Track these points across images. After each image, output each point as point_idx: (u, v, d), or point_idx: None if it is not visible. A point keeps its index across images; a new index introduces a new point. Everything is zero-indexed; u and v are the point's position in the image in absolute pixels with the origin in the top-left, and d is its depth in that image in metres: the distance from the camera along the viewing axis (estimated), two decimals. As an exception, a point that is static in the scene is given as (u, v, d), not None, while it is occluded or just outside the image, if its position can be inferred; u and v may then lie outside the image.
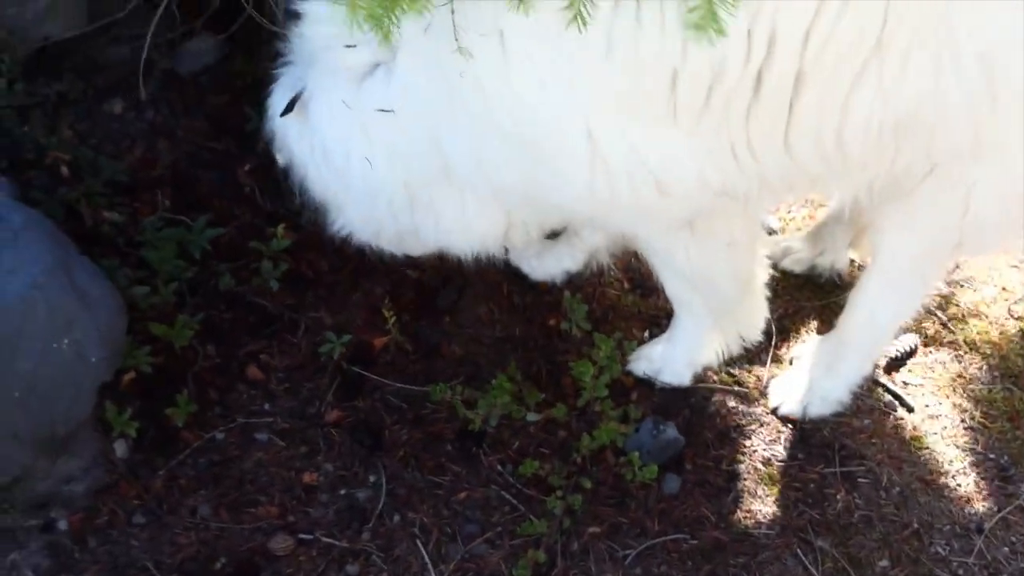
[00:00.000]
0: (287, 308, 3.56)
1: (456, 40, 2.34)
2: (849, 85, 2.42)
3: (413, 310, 3.58)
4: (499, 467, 3.26)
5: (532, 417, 3.32)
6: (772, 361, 3.54)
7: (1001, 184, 2.71)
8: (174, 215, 3.64)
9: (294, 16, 2.96)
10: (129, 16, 3.77)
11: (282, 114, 2.92)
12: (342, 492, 3.20)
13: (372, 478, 3.23)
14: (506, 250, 3.39)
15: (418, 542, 3.10)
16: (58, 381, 2.92)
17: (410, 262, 3.58)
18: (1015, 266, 3.77)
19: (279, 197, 3.67)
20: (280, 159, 3.16)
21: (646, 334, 3.59)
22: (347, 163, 2.90)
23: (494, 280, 3.66)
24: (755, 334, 3.42)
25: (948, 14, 2.31)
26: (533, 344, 3.54)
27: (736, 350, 3.46)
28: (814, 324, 3.65)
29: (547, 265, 3.63)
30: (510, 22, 2.32)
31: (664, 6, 2.26)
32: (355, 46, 2.68)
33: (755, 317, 3.39)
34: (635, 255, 3.67)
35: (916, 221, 2.88)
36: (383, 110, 2.71)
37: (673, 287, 3.31)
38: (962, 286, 3.73)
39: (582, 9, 1.95)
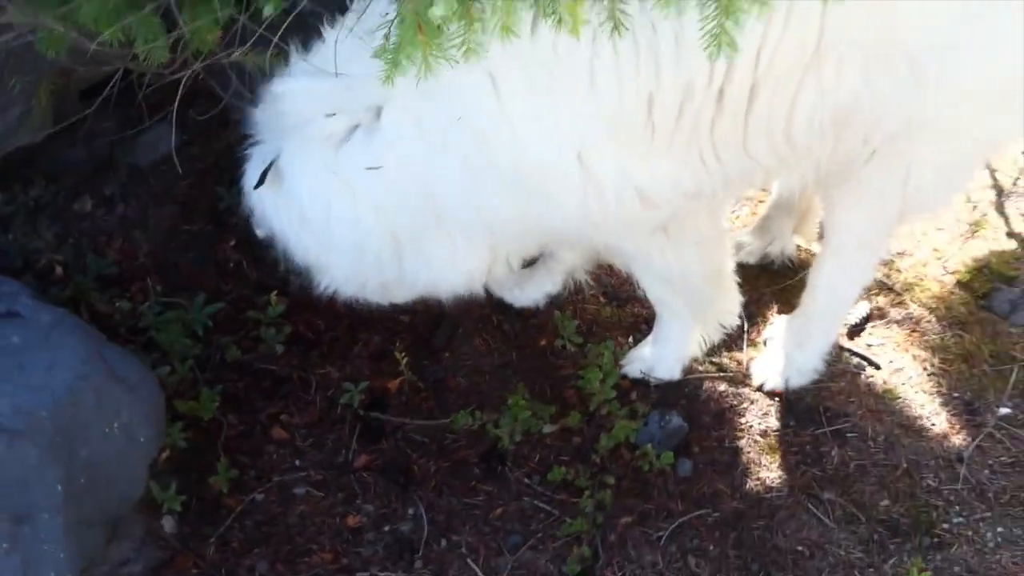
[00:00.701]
0: (295, 368, 3.73)
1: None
2: (794, 90, 2.77)
3: (413, 352, 3.79)
4: (526, 480, 3.49)
5: (548, 428, 3.57)
6: (748, 345, 3.87)
7: (934, 157, 3.08)
8: (168, 299, 3.79)
9: (255, 100, 3.17)
10: (83, 117, 3.92)
11: (255, 187, 3.05)
12: (386, 529, 3.40)
13: (411, 511, 3.44)
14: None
15: (468, 561, 3.31)
16: (115, 464, 3.06)
17: (401, 309, 3.79)
18: (941, 229, 4.20)
19: (265, 267, 3.85)
20: (259, 232, 3.28)
21: (630, 339, 3.87)
22: (328, 224, 3.05)
23: (482, 313, 3.91)
24: (732, 320, 3.72)
25: (877, 23, 2.66)
26: (531, 365, 3.80)
27: (716, 338, 3.76)
28: (777, 307, 3.99)
29: (529, 291, 3.90)
30: (499, 65, 2.56)
31: (637, 38, 2.56)
32: (335, 114, 2.88)
33: (730, 304, 3.69)
34: (607, 270, 3.97)
35: (864, 199, 3.23)
36: (372, 168, 2.87)
37: (654, 290, 3.61)
38: (900, 255, 4.12)
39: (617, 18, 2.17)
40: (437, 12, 2.07)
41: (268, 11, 2.71)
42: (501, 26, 2.12)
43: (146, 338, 3.65)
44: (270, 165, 3.03)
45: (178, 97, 3.75)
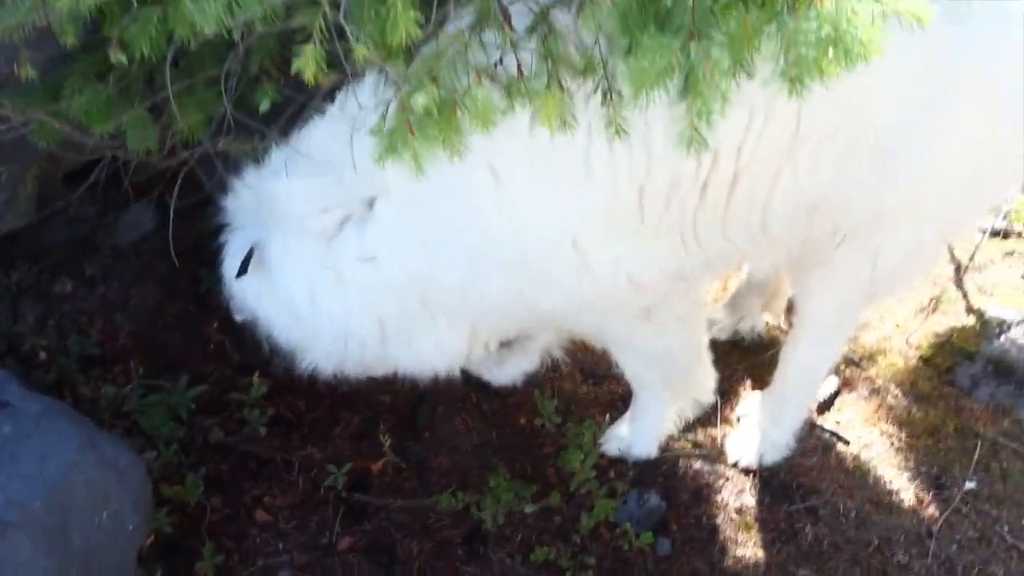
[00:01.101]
0: (277, 450, 3.77)
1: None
2: (771, 181, 2.91)
3: (395, 432, 3.84)
4: (508, 560, 3.55)
5: (530, 508, 3.63)
6: (723, 422, 3.96)
7: (899, 242, 3.23)
8: (150, 380, 3.83)
9: (230, 189, 3.21)
10: (56, 199, 3.97)
11: (237, 276, 3.11)
12: (372, 610, 3.44)
13: (396, 592, 3.48)
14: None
15: (454, 641, 3.36)
16: (105, 552, 3.07)
17: (382, 388, 3.87)
18: (902, 304, 4.33)
19: (247, 348, 3.89)
20: (238, 316, 3.35)
21: (608, 417, 3.95)
22: (315, 313, 3.11)
23: (462, 393, 3.97)
24: (708, 396, 3.83)
25: (846, 120, 2.80)
26: (511, 444, 3.87)
27: (692, 414, 3.86)
28: (750, 383, 4.10)
29: (507, 370, 3.94)
30: (501, 156, 2.68)
31: (630, 131, 2.68)
32: (327, 210, 2.95)
33: (707, 380, 3.80)
34: (583, 347, 4.06)
35: (834, 282, 3.36)
36: (365, 259, 2.95)
37: (633, 369, 3.70)
38: (864, 329, 4.25)
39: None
40: (419, 100, 2.17)
41: (264, 107, 2.81)
42: (481, 121, 2.21)
43: (130, 422, 3.68)
44: (250, 254, 3.08)
45: (162, 184, 3.85)
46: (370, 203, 2.92)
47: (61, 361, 3.77)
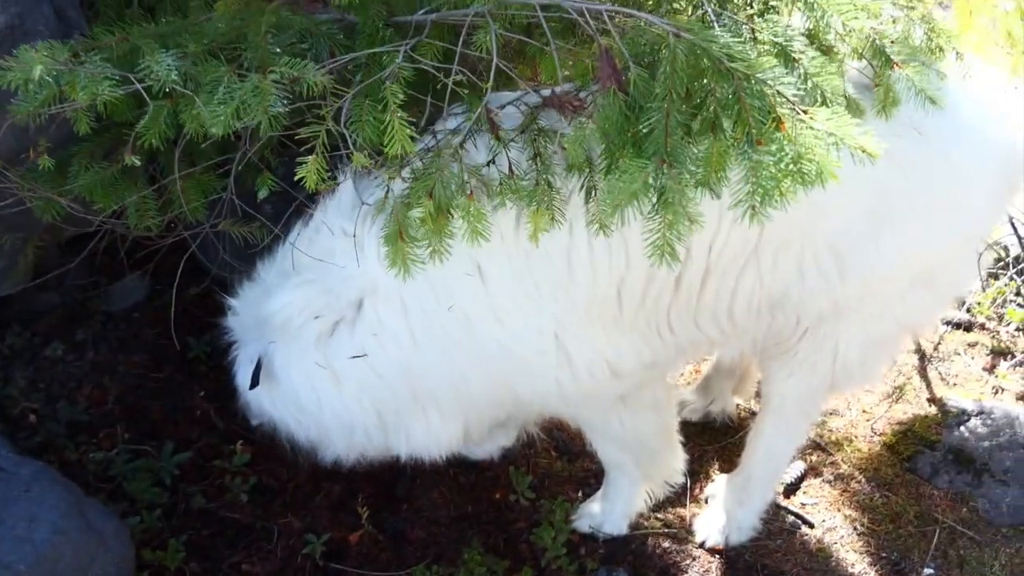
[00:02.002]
0: (258, 517, 3.86)
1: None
2: (736, 277, 3.13)
3: (373, 502, 3.94)
4: (480, 634, 3.65)
5: (502, 583, 3.74)
6: (691, 501, 4.08)
7: (859, 336, 3.41)
8: (135, 445, 3.92)
9: (230, 309, 3.40)
10: (52, 265, 4.10)
11: (251, 388, 3.28)
12: None
13: (369, 664, 3.57)
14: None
15: None
16: (88, 616, 3.16)
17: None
18: (868, 391, 4.50)
19: (231, 416, 4.00)
20: (255, 423, 3.53)
21: (580, 493, 4.07)
22: (320, 410, 3.28)
23: (439, 466, 4.07)
24: (678, 477, 3.96)
25: (805, 223, 2.99)
26: (486, 518, 3.97)
27: (662, 494, 3.98)
28: (718, 464, 4.23)
29: (485, 445, 4.07)
30: (485, 255, 2.83)
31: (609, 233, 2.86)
32: (320, 316, 3.11)
33: (676, 462, 3.93)
34: (558, 424, 4.19)
35: (798, 372, 3.53)
36: (356, 356, 3.12)
37: (607, 451, 3.83)
38: (831, 415, 4.41)
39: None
40: (416, 214, 2.34)
41: (262, 194, 2.96)
42: (472, 231, 2.38)
43: (115, 485, 3.77)
44: (259, 366, 3.25)
45: (155, 254, 3.98)
46: (358, 305, 3.07)
47: (49, 425, 3.87)
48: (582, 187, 2.46)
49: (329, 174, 2.37)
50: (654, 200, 2.00)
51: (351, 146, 2.24)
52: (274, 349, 3.24)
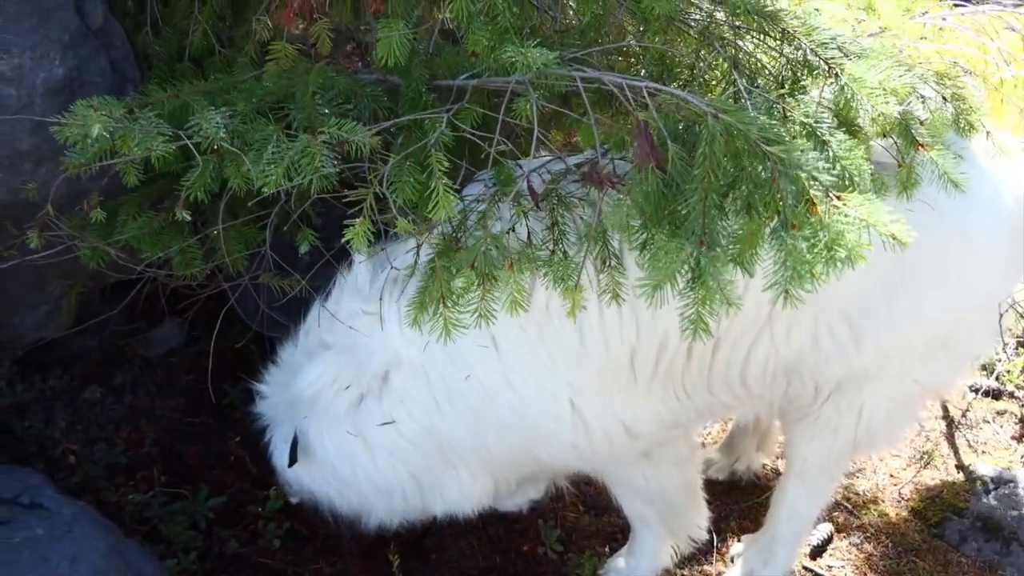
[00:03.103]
0: (290, 563, 3.91)
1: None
2: (749, 346, 3.19)
3: (404, 552, 3.98)
4: None
5: (529, 638, 3.77)
6: (717, 560, 4.10)
7: (883, 401, 3.44)
8: (171, 489, 3.99)
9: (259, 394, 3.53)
10: (91, 310, 4.19)
11: (289, 465, 3.38)
12: None
13: None
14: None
15: None
16: (123, 657, 3.21)
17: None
18: (896, 456, 4.51)
19: (265, 462, 4.06)
20: (295, 500, 3.62)
21: (607, 548, 4.10)
22: (357, 478, 3.37)
23: (469, 517, 4.12)
24: (701, 533, 3.96)
25: (819, 293, 3.00)
26: (515, 570, 4.01)
27: (687, 550, 3.99)
28: (744, 523, 4.25)
29: (515, 498, 4.13)
30: (501, 330, 2.92)
31: (621, 302, 2.93)
32: (349, 386, 3.21)
33: (700, 518, 3.94)
34: (586, 479, 4.23)
35: (821, 435, 3.55)
36: (385, 423, 3.22)
37: (632, 507, 3.86)
38: (858, 478, 4.43)
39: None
40: (458, 284, 2.41)
41: (303, 249, 3.04)
42: (511, 301, 2.45)
43: (151, 527, 3.83)
44: (295, 444, 3.35)
45: (196, 306, 4.07)
46: (384, 375, 3.18)
47: (87, 466, 3.95)
48: (596, 256, 2.52)
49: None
50: (688, 278, 2.06)
51: (392, 209, 2.32)
52: (307, 424, 3.34)
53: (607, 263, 2.48)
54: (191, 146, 2.55)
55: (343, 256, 3.34)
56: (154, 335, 4.50)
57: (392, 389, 3.16)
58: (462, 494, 3.46)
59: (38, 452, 3.94)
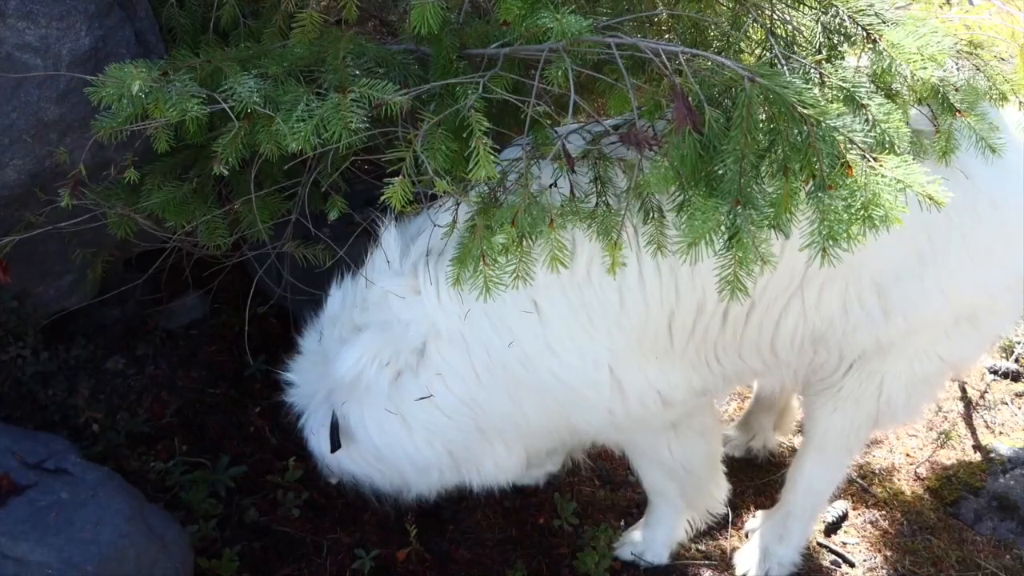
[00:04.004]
0: (308, 532, 3.95)
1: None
2: (780, 312, 3.21)
3: (421, 523, 4.01)
4: (521, 655, 3.71)
5: (544, 607, 3.80)
6: (732, 535, 4.13)
7: (904, 374, 3.46)
8: (192, 458, 4.03)
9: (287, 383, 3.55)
10: (114, 281, 4.22)
11: (332, 451, 3.39)
12: None
13: (414, 678, 3.64)
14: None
15: None
16: (147, 620, 3.25)
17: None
18: (913, 435, 4.54)
19: (285, 433, 4.10)
20: (334, 480, 3.66)
21: (622, 522, 4.13)
22: (395, 456, 3.40)
23: (485, 489, 4.15)
24: (719, 507, 4.01)
25: (851, 260, 2.99)
26: (530, 542, 4.04)
27: (703, 524, 4.03)
28: (759, 500, 4.28)
29: (531, 471, 4.16)
30: (541, 290, 2.94)
31: (659, 265, 2.96)
32: (388, 363, 3.22)
33: (719, 491, 3.99)
34: (602, 453, 4.26)
35: (843, 407, 3.58)
36: (422, 398, 3.23)
37: (652, 478, 3.89)
38: (874, 457, 4.45)
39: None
40: (499, 240, 2.43)
41: (333, 216, 3.07)
42: (552, 258, 2.47)
43: (171, 496, 3.87)
44: (336, 428, 3.37)
45: (220, 277, 4.09)
46: (422, 348, 3.18)
47: (109, 435, 3.98)
48: (640, 208, 2.54)
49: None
50: (725, 238, 2.09)
51: (429, 171, 2.34)
52: (348, 408, 3.36)
53: (650, 215, 2.49)
54: (226, 108, 2.57)
55: (365, 232, 3.37)
56: (175, 306, 4.52)
57: (429, 362, 3.17)
58: (498, 468, 3.49)
59: (61, 420, 3.98)
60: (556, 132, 2.58)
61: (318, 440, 3.45)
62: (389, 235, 3.19)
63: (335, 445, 3.35)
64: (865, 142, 2.04)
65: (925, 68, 2.24)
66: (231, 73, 2.64)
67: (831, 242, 2.02)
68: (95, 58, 3.32)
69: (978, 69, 2.59)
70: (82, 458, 3.46)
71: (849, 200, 1.96)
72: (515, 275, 2.49)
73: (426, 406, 3.23)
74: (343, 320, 3.30)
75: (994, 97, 2.64)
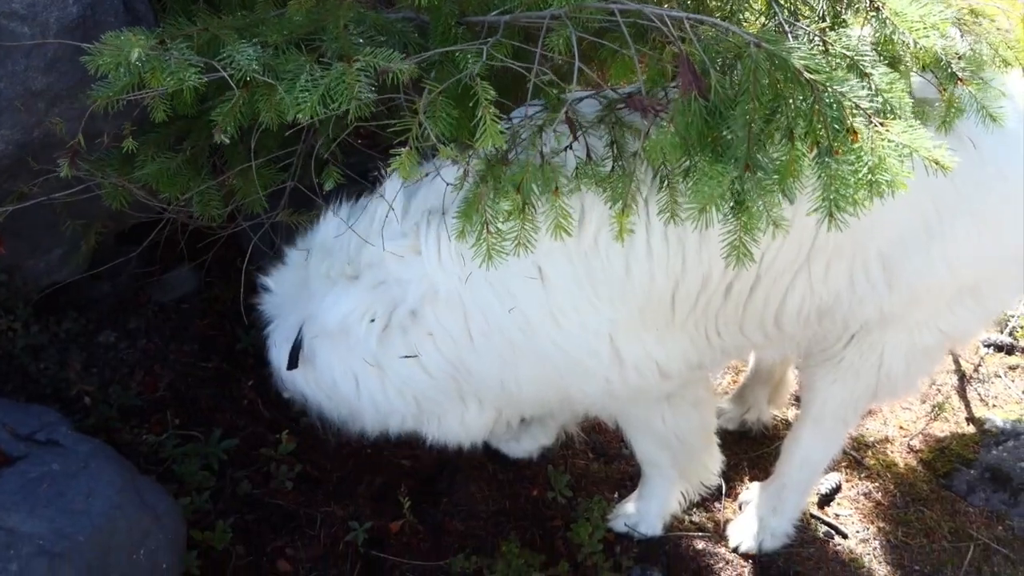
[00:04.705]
0: (301, 505, 3.94)
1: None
2: (786, 286, 3.19)
3: (415, 495, 4.01)
4: (514, 624, 3.72)
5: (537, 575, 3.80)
6: (725, 507, 4.14)
7: (904, 347, 3.47)
8: (184, 431, 4.01)
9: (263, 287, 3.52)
10: (106, 254, 4.19)
11: (288, 368, 3.38)
12: (385, 664, 3.60)
13: (408, 650, 3.65)
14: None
15: None
16: (141, 590, 3.25)
17: (403, 454, 4.08)
18: (907, 408, 4.55)
19: (277, 407, 4.09)
20: (287, 395, 3.62)
21: (616, 495, 4.14)
22: (358, 395, 3.37)
23: (479, 462, 4.16)
24: (713, 479, 4.02)
25: (858, 232, 2.96)
26: (524, 513, 4.05)
27: (696, 496, 4.05)
28: (753, 472, 4.29)
29: (525, 444, 4.18)
30: (546, 256, 2.92)
31: (668, 236, 2.95)
32: (375, 318, 3.18)
33: (712, 463, 4.00)
34: (596, 427, 4.26)
35: (843, 378, 3.58)
36: (409, 356, 3.20)
37: (645, 449, 3.90)
38: (868, 430, 4.46)
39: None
40: (504, 206, 2.42)
41: (329, 185, 3.04)
42: (556, 225, 2.46)
43: (164, 468, 3.85)
44: (297, 348, 3.35)
45: (214, 249, 4.06)
46: (415, 310, 3.14)
47: (101, 408, 3.96)
48: (655, 175, 2.53)
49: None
50: (731, 204, 2.08)
51: (432, 138, 2.32)
52: (318, 344, 3.32)
53: (665, 183, 2.47)
54: (226, 76, 2.54)
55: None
56: (167, 280, 4.49)
57: (422, 322, 3.14)
58: (462, 426, 3.47)
59: (53, 393, 3.95)
60: (566, 97, 2.55)
61: (279, 352, 3.42)
62: (392, 187, 3.11)
63: (291, 364, 3.33)
64: (871, 107, 2.03)
65: (927, 36, 2.23)
66: (229, 41, 2.61)
67: (837, 208, 2.01)
68: (83, 27, 3.27)
69: (980, 37, 2.58)
70: (73, 430, 3.44)
71: (856, 165, 1.96)
72: (517, 243, 2.47)
73: (409, 363, 3.20)
74: (337, 256, 3.23)
75: (997, 64, 2.64)
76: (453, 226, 2.71)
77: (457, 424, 3.48)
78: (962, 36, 2.56)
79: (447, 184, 2.78)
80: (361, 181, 3.28)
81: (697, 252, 2.97)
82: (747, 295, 3.18)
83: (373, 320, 3.17)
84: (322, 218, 3.33)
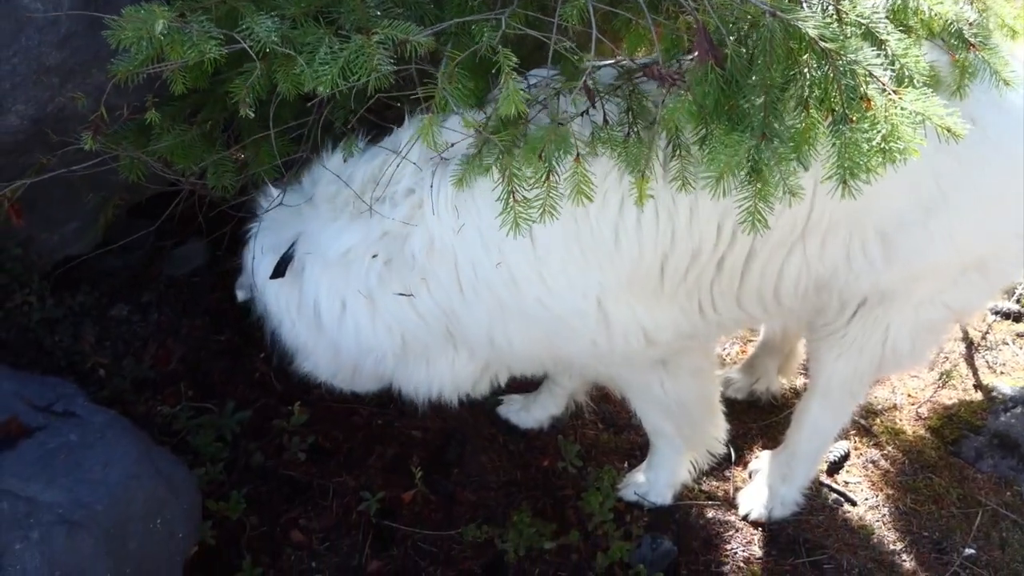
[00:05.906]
0: (314, 476, 3.98)
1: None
2: (783, 259, 3.21)
3: (426, 466, 4.05)
4: (527, 592, 3.77)
5: (549, 544, 3.82)
6: (735, 476, 4.18)
7: (909, 321, 3.48)
8: (197, 403, 4.05)
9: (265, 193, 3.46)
10: (119, 229, 4.21)
11: (272, 277, 3.33)
12: (395, 631, 3.65)
13: (420, 616, 3.69)
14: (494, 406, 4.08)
15: (472, 666, 3.56)
16: (157, 558, 3.28)
17: (414, 424, 4.12)
18: (915, 376, 4.58)
19: (289, 379, 4.12)
20: (241, 295, 3.60)
21: (626, 464, 4.18)
22: (340, 324, 3.32)
23: (489, 432, 4.21)
24: (719, 447, 4.04)
25: (855, 207, 2.96)
26: (535, 483, 4.08)
27: (705, 464, 4.08)
28: (762, 441, 4.33)
29: (535, 413, 4.23)
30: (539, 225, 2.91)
31: (658, 206, 2.97)
32: (375, 256, 3.18)
33: (718, 431, 4.02)
34: (605, 397, 4.30)
35: (847, 354, 3.59)
36: (403, 294, 3.20)
37: (650, 418, 3.93)
38: (876, 398, 4.50)
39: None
40: (527, 172, 2.45)
41: (347, 156, 3.06)
42: (577, 192, 2.48)
43: (178, 440, 3.90)
44: (286, 261, 3.31)
45: (232, 223, 4.08)
46: (414, 256, 3.15)
47: (116, 381, 4.00)
48: (669, 144, 2.55)
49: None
50: (745, 172, 2.10)
51: (452, 107, 2.33)
52: (309, 262, 3.28)
53: (678, 151, 2.49)
54: (247, 48, 2.55)
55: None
56: (178, 254, 4.53)
57: (417, 266, 3.14)
58: (451, 371, 3.46)
59: (67, 366, 3.99)
60: (585, 65, 2.57)
61: (262, 259, 3.38)
62: (407, 136, 3.05)
63: (277, 273, 3.29)
64: (884, 75, 2.06)
65: (942, 3, 2.25)
66: (247, 13, 2.62)
67: (852, 175, 2.04)
68: (95, 1, 3.29)
69: (988, 6, 2.60)
70: (89, 401, 3.48)
71: (869, 133, 1.98)
72: (543, 210, 2.49)
73: (402, 302, 3.21)
74: (346, 188, 3.20)
75: (1005, 34, 2.65)
76: (452, 173, 2.72)
77: (447, 368, 3.47)
78: (972, 4, 2.58)
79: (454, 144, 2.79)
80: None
81: (687, 227, 3.00)
82: (741, 269, 3.20)
83: (375, 256, 3.18)
84: (338, 149, 3.28)
